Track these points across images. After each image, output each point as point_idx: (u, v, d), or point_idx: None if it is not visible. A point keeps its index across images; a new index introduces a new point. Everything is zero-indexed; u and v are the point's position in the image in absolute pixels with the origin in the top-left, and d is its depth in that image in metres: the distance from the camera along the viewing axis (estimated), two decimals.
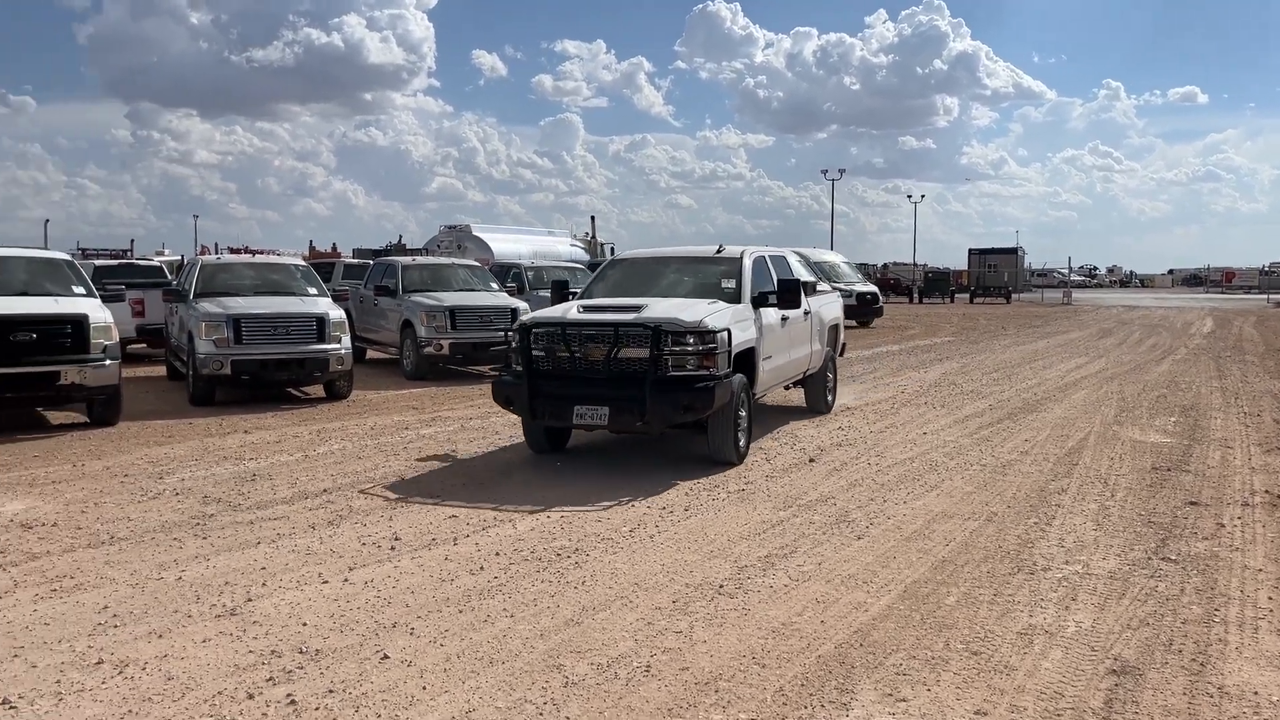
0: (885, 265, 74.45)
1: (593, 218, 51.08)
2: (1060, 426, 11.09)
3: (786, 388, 11.46)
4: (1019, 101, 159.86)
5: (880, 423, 11.47)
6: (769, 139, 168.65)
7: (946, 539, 6.55)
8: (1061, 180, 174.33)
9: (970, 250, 66.41)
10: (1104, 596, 5.42)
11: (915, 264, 71.05)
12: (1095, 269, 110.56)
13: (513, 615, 5.09)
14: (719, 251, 10.39)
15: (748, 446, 9.14)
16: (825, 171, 70.61)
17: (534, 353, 8.62)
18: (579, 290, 10.96)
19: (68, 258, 13.13)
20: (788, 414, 11.97)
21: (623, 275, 10.62)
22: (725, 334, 8.41)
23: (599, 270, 11.18)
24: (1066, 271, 68.89)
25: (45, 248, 16.36)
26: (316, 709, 4.02)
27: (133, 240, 68.52)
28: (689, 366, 8.21)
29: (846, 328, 13.87)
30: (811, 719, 3.96)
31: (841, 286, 29.94)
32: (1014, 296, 57.16)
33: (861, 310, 30.35)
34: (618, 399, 8.23)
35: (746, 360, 9.12)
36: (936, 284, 58.94)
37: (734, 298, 9.53)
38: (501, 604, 5.25)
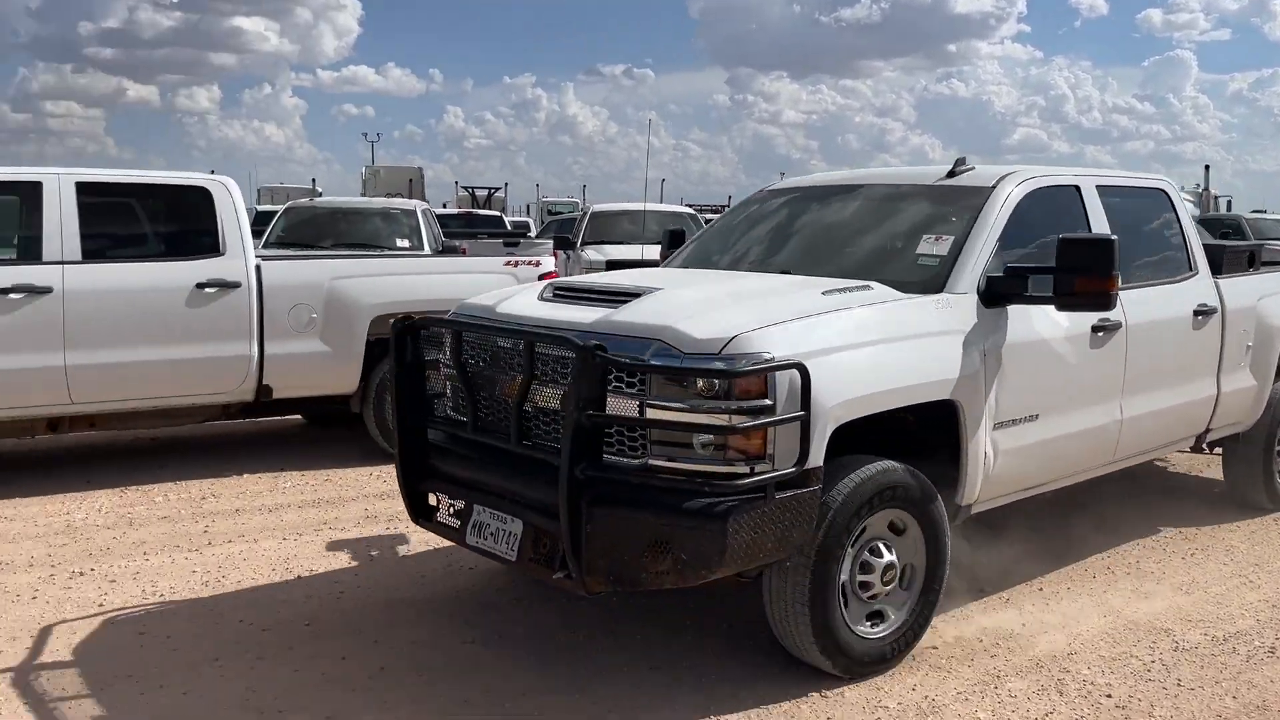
0: None
1: (1206, 167, 45.18)
2: None
3: (1198, 450, 5.93)
4: None
5: None
6: None
7: None
8: None
9: None
10: None
11: None
12: None
13: (1111, 570, 5.02)
14: (952, 174, 4.81)
15: (902, 645, 3.86)
16: None
17: (429, 384, 4.24)
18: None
19: (692, 212, 15.18)
20: None
21: (749, 226, 5.51)
22: (794, 375, 3.33)
23: (722, 215, 6.53)
24: None
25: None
26: None
27: (729, 196, 75.40)
28: (701, 450, 3.33)
29: None
30: None
31: None
32: None
33: None
34: (534, 507, 3.66)
35: (943, 424, 3.98)
36: None
37: (934, 282, 4.17)
38: (1105, 563, 5.18)
